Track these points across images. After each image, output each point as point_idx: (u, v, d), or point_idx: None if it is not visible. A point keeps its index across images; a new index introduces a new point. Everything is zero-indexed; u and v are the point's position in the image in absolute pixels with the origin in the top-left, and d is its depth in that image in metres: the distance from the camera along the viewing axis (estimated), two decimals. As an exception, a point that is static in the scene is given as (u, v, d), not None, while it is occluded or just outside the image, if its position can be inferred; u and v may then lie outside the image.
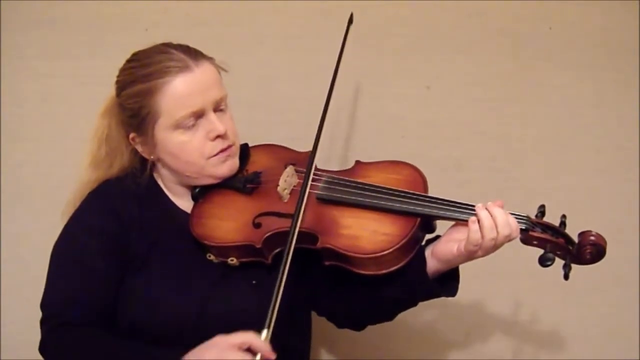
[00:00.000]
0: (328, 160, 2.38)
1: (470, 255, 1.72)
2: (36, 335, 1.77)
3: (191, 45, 1.85)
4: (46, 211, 2.22)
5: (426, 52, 2.42)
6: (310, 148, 1.97)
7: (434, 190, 1.84)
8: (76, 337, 1.72)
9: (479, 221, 1.70)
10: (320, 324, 2.05)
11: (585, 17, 2.43)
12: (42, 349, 1.76)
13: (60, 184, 2.05)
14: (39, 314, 1.79)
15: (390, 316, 1.94)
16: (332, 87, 1.97)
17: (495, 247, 1.71)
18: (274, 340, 1.58)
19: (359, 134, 2.42)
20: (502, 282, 2.38)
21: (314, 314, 2.03)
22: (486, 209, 1.71)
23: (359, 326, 2.00)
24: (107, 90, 1.91)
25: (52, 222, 1.89)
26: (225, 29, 2.37)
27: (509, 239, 1.71)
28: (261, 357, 1.55)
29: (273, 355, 1.56)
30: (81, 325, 1.74)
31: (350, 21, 2.12)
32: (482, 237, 1.68)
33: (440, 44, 2.42)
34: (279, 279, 1.61)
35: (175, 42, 1.86)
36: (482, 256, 1.73)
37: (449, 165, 2.42)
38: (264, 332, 1.56)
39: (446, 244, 1.76)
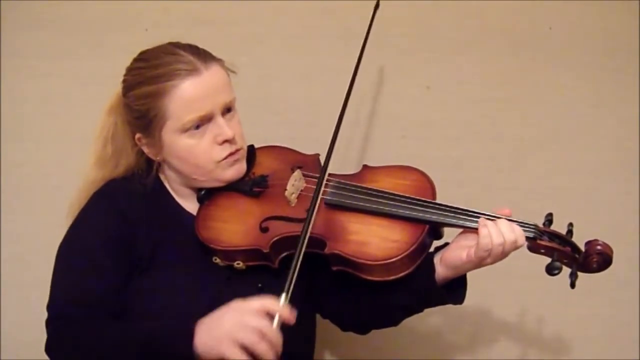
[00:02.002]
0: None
1: (479, 261, 1.72)
2: (36, 335, 1.77)
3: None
4: (46, 211, 2.23)
5: (426, 52, 2.42)
6: (310, 148, 1.98)
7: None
8: (83, 330, 1.70)
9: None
10: (323, 325, 2.05)
11: (585, 17, 2.43)
12: (49, 347, 1.73)
13: (60, 184, 2.05)
14: (39, 314, 1.78)
15: (395, 322, 1.93)
16: (353, 81, 1.97)
17: (504, 253, 1.71)
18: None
19: (359, 134, 2.42)
20: (504, 283, 2.38)
21: (318, 316, 2.03)
22: (489, 218, 1.73)
23: (363, 330, 1.99)
24: (107, 90, 1.90)
25: (52, 222, 1.88)
26: (225, 29, 2.36)
27: (515, 245, 1.71)
28: (280, 320, 1.53)
29: (293, 319, 1.55)
30: (88, 322, 1.72)
31: (377, 6, 2.09)
32: (491, 242, 1.69)
33: (440, 44, 2.42)
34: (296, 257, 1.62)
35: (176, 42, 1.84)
36: (491, 263, 1.73)
37: (449, 165, 2.41)
38: (282, 296, 1.55)
39: (455, 251, 1.76)
